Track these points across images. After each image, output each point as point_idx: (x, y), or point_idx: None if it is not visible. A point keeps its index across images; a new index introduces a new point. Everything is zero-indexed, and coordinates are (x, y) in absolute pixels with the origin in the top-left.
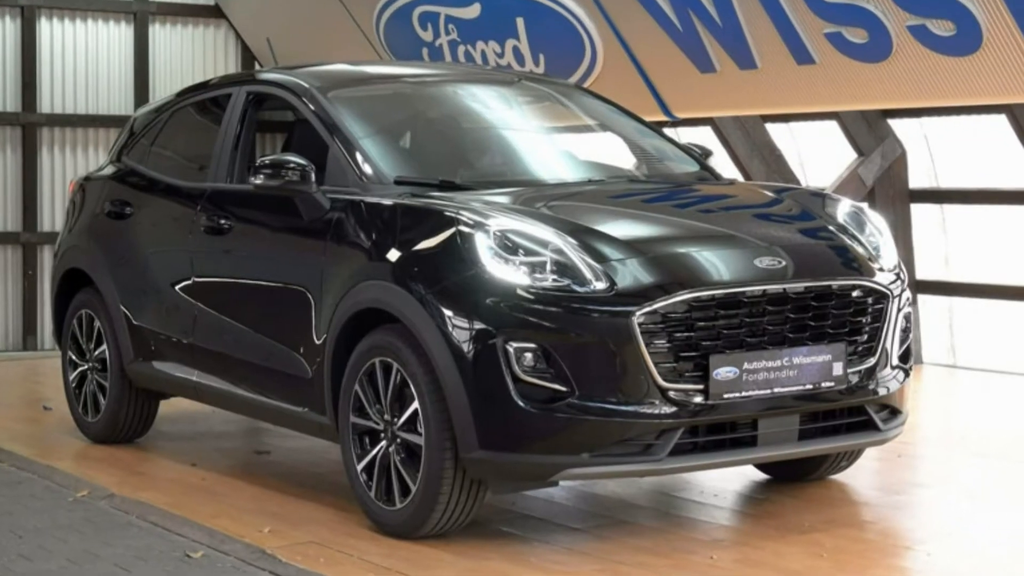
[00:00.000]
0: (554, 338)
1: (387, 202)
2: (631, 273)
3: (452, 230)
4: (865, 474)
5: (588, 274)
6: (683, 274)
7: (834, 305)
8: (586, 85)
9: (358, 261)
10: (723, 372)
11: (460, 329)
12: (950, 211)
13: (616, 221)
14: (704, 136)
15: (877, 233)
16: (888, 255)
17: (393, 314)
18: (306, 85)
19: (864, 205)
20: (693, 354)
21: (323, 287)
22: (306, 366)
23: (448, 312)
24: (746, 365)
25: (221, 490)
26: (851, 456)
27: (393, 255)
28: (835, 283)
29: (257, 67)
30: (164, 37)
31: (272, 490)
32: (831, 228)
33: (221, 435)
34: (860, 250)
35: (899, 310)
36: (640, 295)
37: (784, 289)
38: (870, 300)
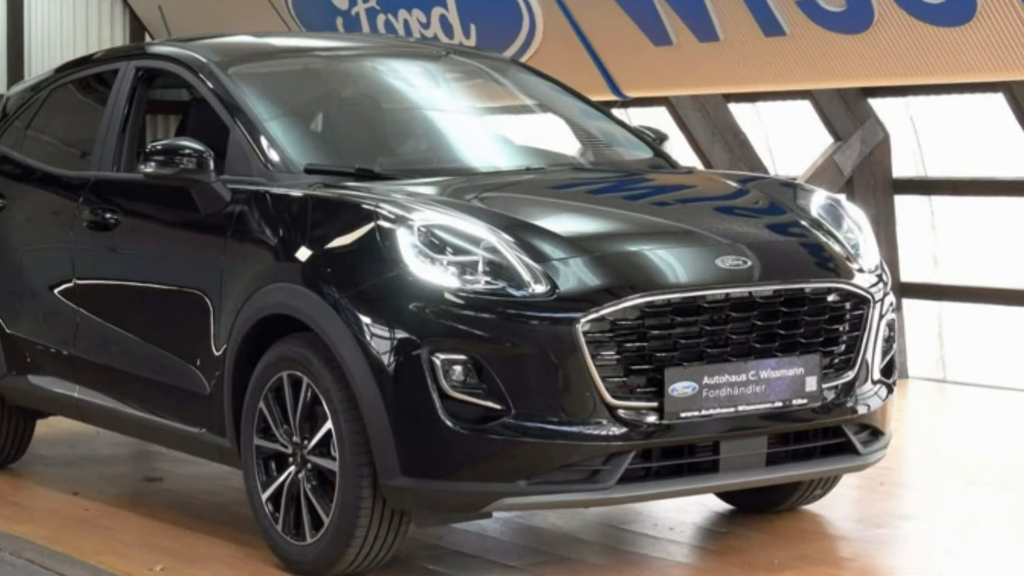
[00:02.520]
0: (487, 349)
1: (296, 193)
2: (575, 274)
3: (370, 225)
4: (842, 504)
5: (526, 276)
6: (634, 276)
7: (807, 311)
8: (523, 60)
9: (263, 261)
10: (680, 388)
11: (379, 339)
12: (939, 204)
13: (558, 215)
14: (659, 118)
15: (856, 229)
16: (869, 254)
17: (303, 321)
18: (203, 60)
19: (841, 197)
20: (646, 367)
21: (223, 290)
22: (203, 381)
23: (366, 319)
24: (706, 380)
25: (107, 522)
26: (826, 484)
27: (303, 254)
28: (808, 286)
29: (148, 39)
30: (41, 5)
31: (165, 522)
32: (803, 223)
33: (106, 460)
34: (837, 248)
35: (881, 317)
36: (585, 300)
37: (750, 293)
38: (848, 305)
